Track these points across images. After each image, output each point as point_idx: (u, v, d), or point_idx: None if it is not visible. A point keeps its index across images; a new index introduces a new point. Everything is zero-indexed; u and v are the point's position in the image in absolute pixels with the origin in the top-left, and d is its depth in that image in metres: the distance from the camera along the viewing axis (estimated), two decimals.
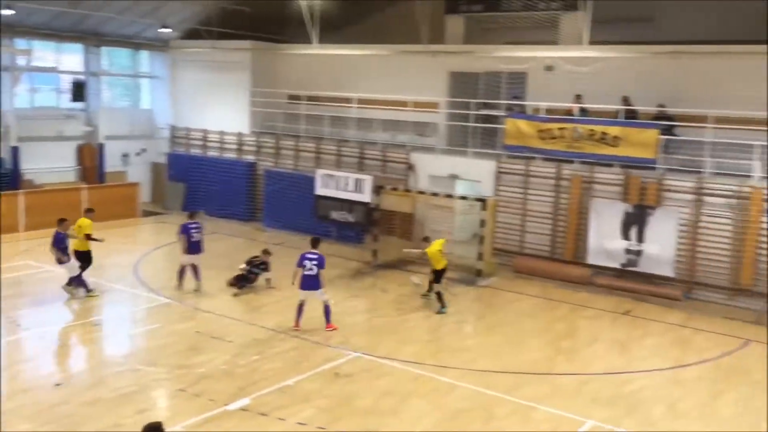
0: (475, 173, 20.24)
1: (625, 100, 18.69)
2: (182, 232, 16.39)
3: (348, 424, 10.18)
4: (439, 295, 15.84)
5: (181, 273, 16.49)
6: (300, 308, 14.04)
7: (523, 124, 19.48)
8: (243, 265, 16.80)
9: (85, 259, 15.78)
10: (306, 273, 13.82)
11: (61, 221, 15.61)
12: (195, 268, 16.49)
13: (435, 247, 16.16)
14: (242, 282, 16.57)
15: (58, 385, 11.10)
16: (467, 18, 23.46)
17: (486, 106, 21.45)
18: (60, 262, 15.42)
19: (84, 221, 15.91)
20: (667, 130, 18.01)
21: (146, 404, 10.60)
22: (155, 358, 12.38)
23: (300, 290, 13.99)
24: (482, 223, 18.31)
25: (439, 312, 15.56)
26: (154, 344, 13.20)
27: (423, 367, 12.42)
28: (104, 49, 26.14)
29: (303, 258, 13.93)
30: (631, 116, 18.55)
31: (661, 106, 18.35)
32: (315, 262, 13.84)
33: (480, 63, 21.92)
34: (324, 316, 14.12)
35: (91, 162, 25.81)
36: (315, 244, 14.35)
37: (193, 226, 16.51)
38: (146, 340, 13.62)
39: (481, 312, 16.16)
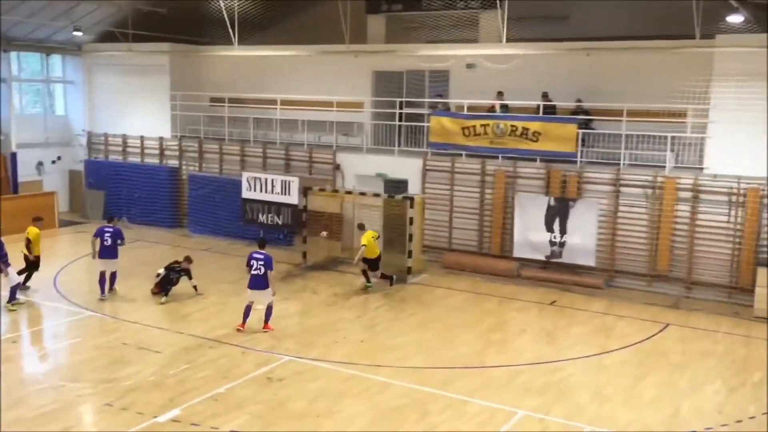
0: (402, 171, 20.36)
1: (545, 96, 19.18)
2: (95, 235, 16.14)
3: (283, 429, 10.09)
4: (365, 272, 17.06)
5: (101, 281, 16.03)
6: (247, 309, 14.15)
7: (447, 122, 19.73)
8: (161, 270, 16.43)
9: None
10: (253, 273, 14.02)
11: None
12: (112, 274, 16.13)
13: (369, 236, 16.99)
14: (165, 286, 16.18)
15: None
16: (388, 17, 23.54)
17: (410, 104, 21.62)
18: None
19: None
20: (585, 124, 18.59)
21: (71, 421, 10.22)
22: (78, 373, 11.96)
23: (248, 290, 14.18)
24: (410, 221, 18.44)
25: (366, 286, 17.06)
26: (76, 359, 12.75)
27: (356, 367, 12.42)
28: (14, 54, 25.02)
29: (251, 258, 14.12)
30: (551, 111, 19.05)
31: (579, 101, 18.93)
32: (262, 262, 13.99)
33: (403, 62, 22.07)
34: (264, 316, 14.17)
35: (2, 172, 24.69)
36: (262, 244, 14.52)
37: (108, 230, 16.08)
38: (68, 355, 13.14)
39: (412, 309, 16.27)
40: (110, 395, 11.02)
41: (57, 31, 24.68)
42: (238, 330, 14.03)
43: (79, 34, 24.20)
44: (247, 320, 14.13)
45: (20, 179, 24.90)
